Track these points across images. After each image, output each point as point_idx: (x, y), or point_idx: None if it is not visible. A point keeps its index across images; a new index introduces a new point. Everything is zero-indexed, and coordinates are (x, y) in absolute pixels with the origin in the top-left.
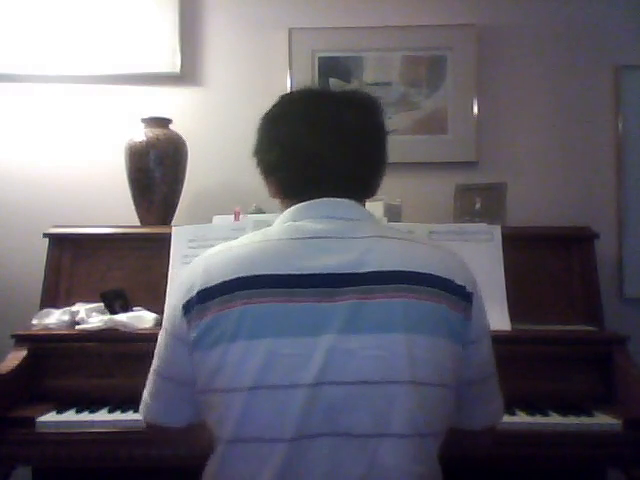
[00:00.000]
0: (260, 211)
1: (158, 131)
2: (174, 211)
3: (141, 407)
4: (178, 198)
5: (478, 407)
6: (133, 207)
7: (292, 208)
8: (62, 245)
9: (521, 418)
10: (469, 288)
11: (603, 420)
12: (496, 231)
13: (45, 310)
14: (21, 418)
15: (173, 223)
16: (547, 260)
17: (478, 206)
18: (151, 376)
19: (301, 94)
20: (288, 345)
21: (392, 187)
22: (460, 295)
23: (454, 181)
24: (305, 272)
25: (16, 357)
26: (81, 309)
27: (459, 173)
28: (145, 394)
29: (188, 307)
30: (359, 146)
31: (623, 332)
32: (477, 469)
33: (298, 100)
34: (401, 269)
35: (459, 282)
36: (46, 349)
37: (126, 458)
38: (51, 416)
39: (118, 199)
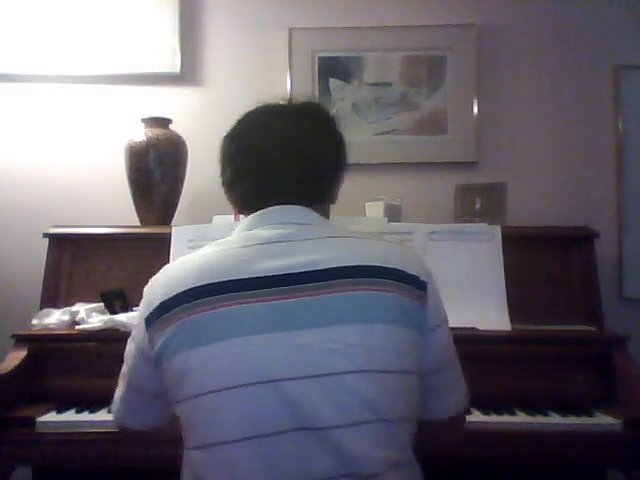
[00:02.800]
0: None
1: (158, 131)
2: (174, 211)
3: (112, 405)
4: (178, 198)
5: (439, 396)
6: (133, 207)
7: (247, 218)
8: (62, 245)
9: (521, 418)
10: (422, 277)
11: (603, 420)
12: (496, 231)
13: (45, 310)
14: (21, 418)
15: (173, 223)
16: (547, 260)
17: (478, 206)
18: (120, 379)
19: (251, 112)
20: (243, 344)
21: (392, 187)
22: (413, 284)
23: (454, 181)
24: (258, 275)
25: (16, 357)
26: (81, 309)
27: (459, 173)
28: (116, 393)
29: (150, 321)
30: (307, 156)
31: (623, 332)
32: (477, 469)
33: (248, 119)
34: (352, 264)
35: (411, 272)
36: (46, 349)
37: (126, 458)
38: (51, 416)
39: (118, 199)
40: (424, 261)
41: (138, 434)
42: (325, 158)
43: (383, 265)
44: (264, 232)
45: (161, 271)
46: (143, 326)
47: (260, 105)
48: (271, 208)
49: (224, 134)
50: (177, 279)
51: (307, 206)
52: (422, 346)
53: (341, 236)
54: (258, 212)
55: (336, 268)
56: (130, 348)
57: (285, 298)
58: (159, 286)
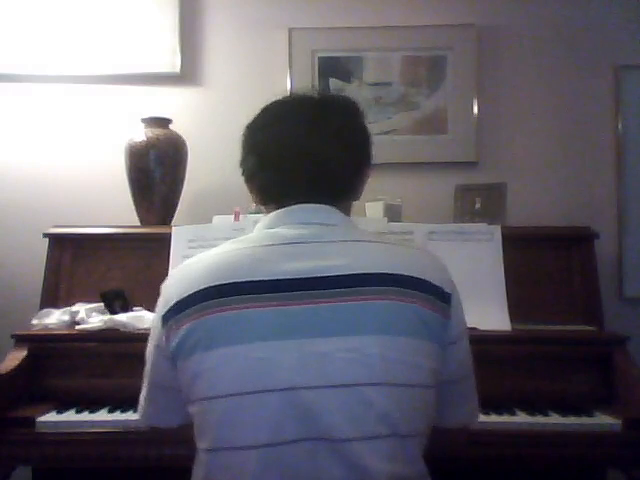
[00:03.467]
0: (260, 211)
1: (158, 131)
2: (174, 211)
3: (138, 407)
4: (178, 198)
5: (453, 407)
6: (133, 207)
7: (269, 215)
8: (62, 245)
9: (521, 418)
10: (447, 289)
11: (603, 420)
12: (496, 231)
13: (45, 310)
14: (21, 418)
15: (173, 223)
16: (547, 260)
17: (478, 206)
18: (144, 379)
19: (279, 102)
20: (259, 349)
21: (392, 187)
22: (437, 295)
23: (454, 181)
24: (277, 277)
25: (16, 357)
26: (81, 309)
27: (459, 173)
28: (141, 395)
29: (166, 318)
30: (335, 151)
31: (623, 332)
32: (477, 469)
33: (275, 108)
34: (375, 271)
35: (435, 282)
36: (46, 349)
37: (126, 458)
38: (51, 416)
39: (118, 199)
40: (448, 270)
41: (168, 433)
42: (350, 153)
43: (406, 274)
44: (286, 231)
45: (178, 268)
46: (160, 323)
47: (287, 96)
48: (295, 206)
49: (247, 123)
50: (193, 277)
51: (331, 202)
52: (442, 358)
53: (366, 240)
54: (281, 210)
55: (358, 275)
56: (149, 347)
57: (303, 303)
58: (175, 284)
